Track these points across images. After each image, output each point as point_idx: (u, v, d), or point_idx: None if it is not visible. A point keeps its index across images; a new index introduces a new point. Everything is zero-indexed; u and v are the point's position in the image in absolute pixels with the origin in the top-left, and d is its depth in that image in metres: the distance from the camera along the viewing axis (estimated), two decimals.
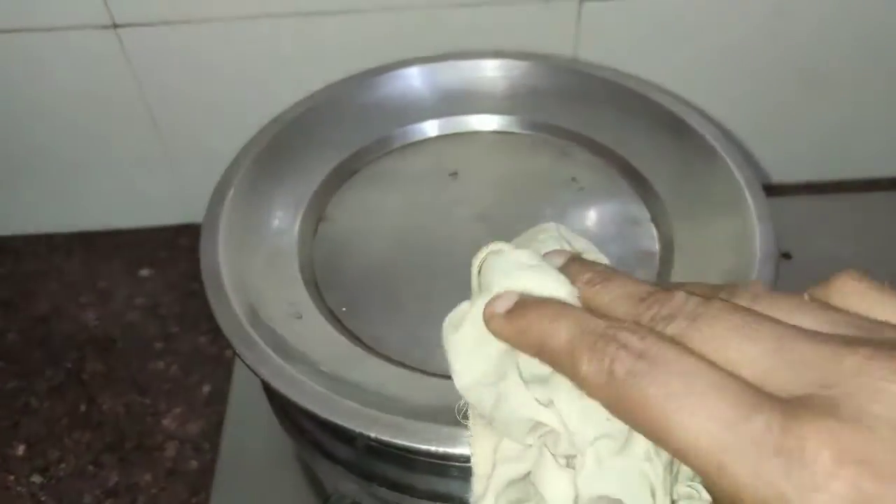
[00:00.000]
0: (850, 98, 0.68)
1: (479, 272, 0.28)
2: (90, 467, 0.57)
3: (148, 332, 0.65)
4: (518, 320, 0.24)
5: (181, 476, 0.56)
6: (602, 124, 0.48)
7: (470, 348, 0.26)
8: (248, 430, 0.52)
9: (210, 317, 0.65)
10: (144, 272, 0.70)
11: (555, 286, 0.25)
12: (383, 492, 0.37)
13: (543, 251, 0.29)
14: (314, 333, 0.37)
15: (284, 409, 0.41)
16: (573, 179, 0.46)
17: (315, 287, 0.40)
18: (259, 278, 0.39)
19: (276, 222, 0.43)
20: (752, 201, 0.40)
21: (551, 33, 0.60)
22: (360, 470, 0.37)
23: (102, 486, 0.56)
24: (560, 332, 0.22)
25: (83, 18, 0.57)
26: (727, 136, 0.45)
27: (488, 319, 0.26)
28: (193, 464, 0.57)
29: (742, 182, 0.41)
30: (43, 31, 0.58)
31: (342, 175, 0.47)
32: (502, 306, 0.25)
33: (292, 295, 0.39)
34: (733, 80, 0.65)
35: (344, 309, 0.39)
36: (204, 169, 0.68)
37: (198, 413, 0.60)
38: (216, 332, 0.64)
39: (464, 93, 0.49)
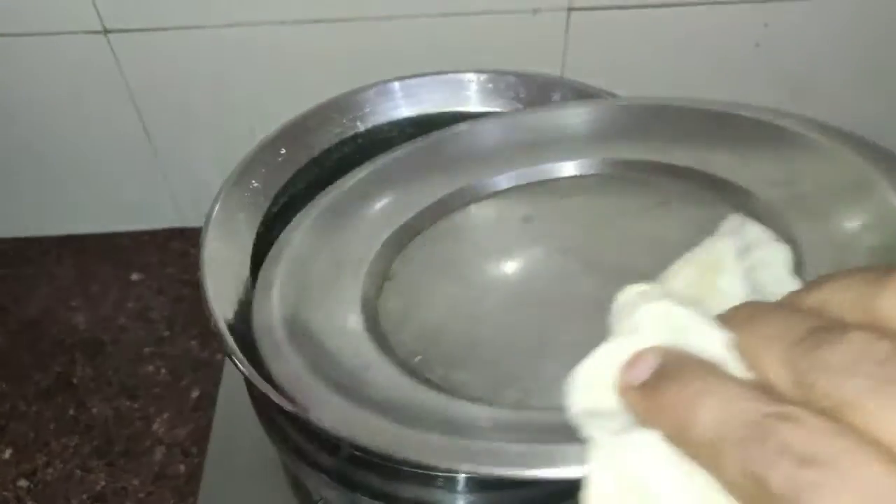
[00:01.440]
0: (838, 109, 0.68)
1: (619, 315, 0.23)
2: (77, 472, 0.57)
3: (138, 336, 0.65)
4: (656, 397, 0.19)
5: (169, 481, 0.56)
6: (679, 148, 0.43)
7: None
8: (235, 435, 0.52)
9: (200, 321, 0.65)
10: (135, 276, 0.70)
11: (703, 340, 0.20)
12: (366, 501, 0.37)
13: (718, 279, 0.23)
14: (383, 381, 0.34)
15: (270, 418, 0.41)
16: (661, 203, 0.41)
17: (384, 339, 0.37)
18: (322, 335, 0.36)
19: (337, 279, 0.40)
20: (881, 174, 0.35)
21: (540, 43, 0.60)
22: (342, 478, 0.37)
23: (89, 491, 0.55)
24: (703, 418, 0.17)
25: (74, 23, 0.57)
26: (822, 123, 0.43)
27: (623, 391, 0.21)
28: (181, 468, 0.57)
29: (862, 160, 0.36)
30: (33, 35, 0.58)
31: (406, 235, 0.43)
32: (638, 376, 0.20)
33: (358, 348, 0.36)
34: (720, 89, 0.65)
35: (418, 359, 0.35)
36: (195, 174, 0.68)
37: (186, 417, 0.60)
38: (206, 337, 0.64)
39: (529, 142, 0.46)
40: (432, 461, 0.27)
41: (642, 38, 0.61)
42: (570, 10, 0.58)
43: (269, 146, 0.46)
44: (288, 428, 0.40)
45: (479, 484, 0.37)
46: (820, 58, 0.64)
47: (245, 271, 0.41)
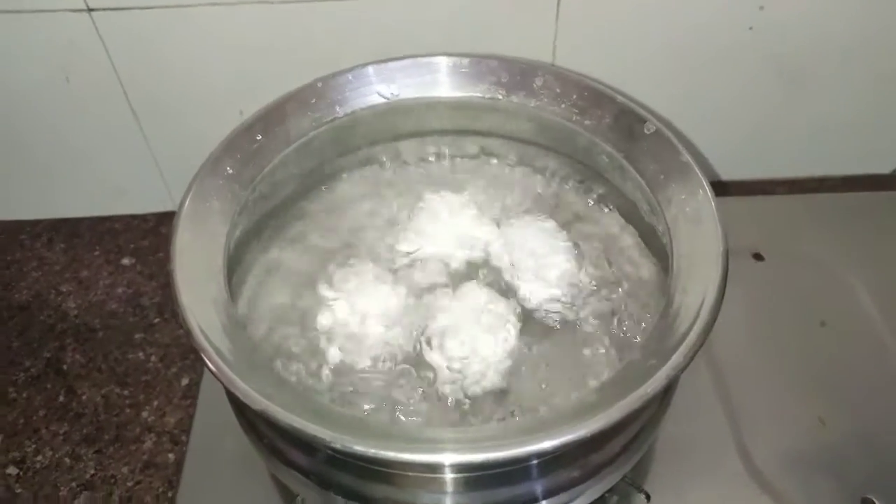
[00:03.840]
0: (829, 96, 0.66)
1: None
2: (67, 460, 0.56)
3: (128, 323, 0.65)
4: None
5: (158, 469, 0.56)
6: None
7: None
8: (217, 426, 0.52)
9: None
10: (126, 261, 0.70)
11: None
12: (340, 500, 0.37)
13: None
14: None
15: (246, 418, 0.41)
16: None
17: None
18: None
19: None
20: None
21: (531, 29, 0.58)
22: (317, 478, 0.37)
23: (79, 479, 0.55)
24: None
25: (56, 1, 0.56)
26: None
27: None
28: (170, 457, 0.56)
29: None
30: (15, 13, 0.57)
31: None
32: None
33: None
34: (713, 73, 0.64)
35: None
36: (186, 157, 0.67)
37: (176, 405, 0.59)
38: None
39: None
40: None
41: (634, 23, 0.59)
42: None
43: (245, 133, 0.45)
44: (262, 427, 0.40)
45: (453, 485, 0.36)
46: (814, 42, 0.62)
47: (218, 261, 0.40)
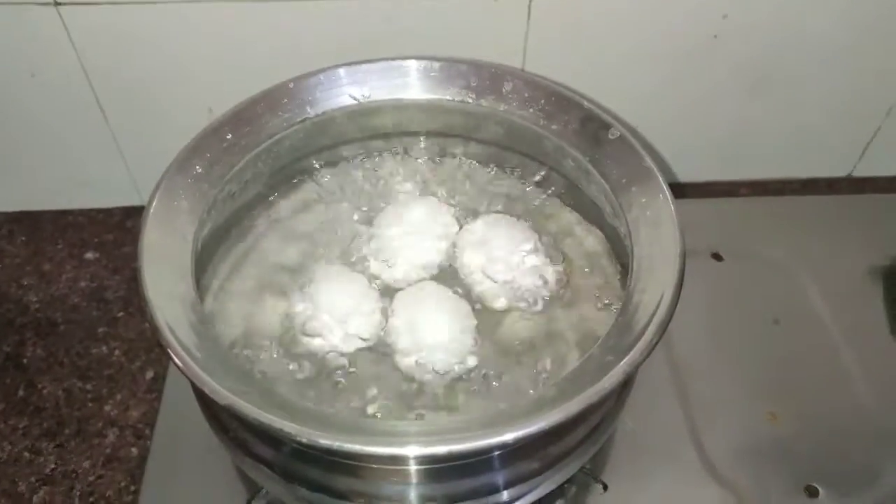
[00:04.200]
0: (797, 101, 0.69)
1: None
2: (26, 454, 0.56)
3: (91, 317, 0.64)
4: None
5: (121, 463, 0.56)
6: None
7: None
8: (183, 418, 0.52)
9: None
10: (90, 255, 0.69)
11: None
12: (303, 492, 0.37)
13: None
14: None
15: (211, 412, 0.41)
16: None
17: None
18: None
19: None
20: None
21: (502, 30, 0.59)
22: (282, 471, 0.37)
23: (38, 473, 0.55)
24: None
25: None
26: None
27: None
28: (133, 451, 0.56)
29: None
30: None
31: None
32: None
33: None
34: (680, 80, 0.65)
35: None
36: (152, 151, 0.67)
37: (140, 399, 0.59)
38: None
39: None
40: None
41: (602, 29, 0.60)
42: None
43: (214, 132, 0.45)
44: (228, 421, 0.40)
45: (416, 476, 0.37)
46: (779, 50, 0.64)
47: (186, 259, 0.41)
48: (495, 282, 0.47)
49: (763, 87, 0.66)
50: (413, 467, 0.37)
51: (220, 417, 0.40)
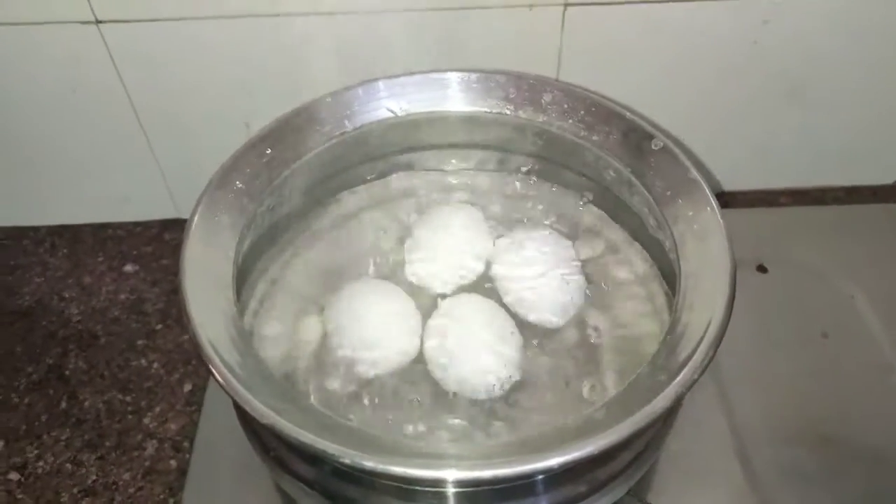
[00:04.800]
0: (837, 109, 0.67)
1: None
2: (68, 465, 0.56)
3: (131, 329, 0.65)
4: None
5: (160, 475, 0.56)
6: None
7: None
8: (222, 432, 0.52)
9: None
10: (129, 268, 0.70)
11: None
12: None
13: None
14: None
15: (252, 428, 0.41)
16: None
17: None
18: None
19: None
20: None
21: (536, 38, 0.58)
22: (321, 489, 0.37)
23: (80, 485, 0.55)
24: None
25: (65, 13, 0.56)
26: None
27: None
28: (172, 463, 0.56)
29: None
30: (24, 24, 0.57)
31: None
32: None
33: None
34: (718, 87, 0.64)
35: None
36: (190, 165, 0.68)
37: (178, 412, 0.59)
38: None
39: None
40: None
41: (638, 35, 0.59)
42: (567, 5, 0.56)
43: (254, 147, 0.45)
44: (268, 438, 0.40)
45: (457, 499, 0.37)
46: (819, 57, 0.62)
47: (228, 275, 0.41)
48: (528, 296, 0.47)
49: (804, 93, 0.65)
50: (453, 490, 0.37)
51: (260, 435, 0.40)
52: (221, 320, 0.38)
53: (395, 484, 0.36)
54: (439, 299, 0.48)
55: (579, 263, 0.48)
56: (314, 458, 0.37)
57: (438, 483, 0.35)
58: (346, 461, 0.32)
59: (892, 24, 0.61)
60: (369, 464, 0.31)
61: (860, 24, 0.60)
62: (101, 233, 0.72)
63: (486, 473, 0.31)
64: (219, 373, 0.35)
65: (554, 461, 0.31)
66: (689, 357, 0.34)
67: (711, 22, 0.59)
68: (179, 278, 0.39)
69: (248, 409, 0.33)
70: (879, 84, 0.65)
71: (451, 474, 0.32)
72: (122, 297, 0.67)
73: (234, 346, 0.37)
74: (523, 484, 0.37)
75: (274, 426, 0.33)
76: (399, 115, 0.48)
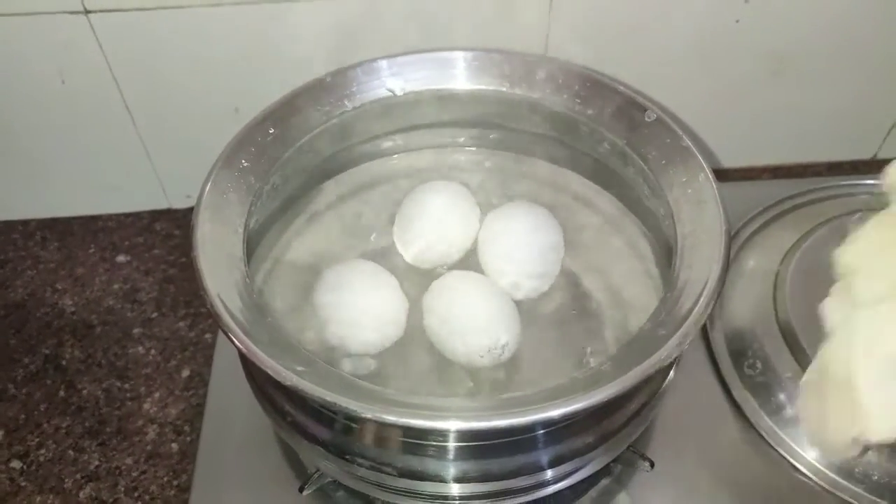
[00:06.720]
0: (819, 87, 0.69)
1: None
2: (70, 452, 0.57)
3: (126, 318, 0.65)
4: None
5: (162, 459, 0.56)
6: None
7: None
8: (228, 412, 0.53)
9: (188, 301, 0.66)
10: (121, 258, 0.70)
11: None
12: (362, 471, 0.38)
13: None
14: None
15: (267, 395, 0.42)
16: None
17: None
18: None
19: None
20: None
21: (524, 18, 0.60)
22: (339, 450, 0.38)
23: (83, 471, 0.56)
24: None
25: (54, 3, 0.57)
26: None
27: None
28: (174, 447, 0.57)
29: None
30: (13, 15, 0.57)
31: None
32: None
33: None
34: (701, 65, 0.66)
35: None
36: (179, 154, 0.68)
37: (178, 397, 0.60)
38: (194, 317, 0.65)
39: None
40: None
41: (624, 14, 0.61)
42: None
43: (258, 126, 0.46)
44: (285, 403, 0.41)
45: (471, 453, 0.38)
46: (801, 35, 0.65)
47: (238, 251, 0.42)
48: (514, 269, 0.48)
49: (785, 71, 0.67)
50: (462, 443, 0.38)
51: (275, 401, 0.41)
52: (236, 293, 0.39)
53: (402, 438, 0.37)
54: (429, 273, 0.49)
55: (561, 237, 0.50)
56: (333, 420, 0.38)
57: (448, 436, 0.36)
58: (369, 416, 0.33)
59: (873, 2, 0.63)
60: (391, 417, 0.33)
61: (841, 2, 0.62)
62: (91, 224, 0.72)
63: (523, 420, 0.33)
64: (239, 340, 0.36)
65: (571, 406, 0.33)
66: (690, 310, 0.36)
67: (694, 1, 0.61)
68: (193, 253, 0.39)
69: (271, 372, 0.34)
70: (859, 61, 0.67)
71: (469, 425, 0.33)
72: (116, 286, 0.68)
73: (251, 316, 0.38)
74: (529, 438, 0.38)
75: (297, 386, 0.34)
76: (398, 94, 0.49)
